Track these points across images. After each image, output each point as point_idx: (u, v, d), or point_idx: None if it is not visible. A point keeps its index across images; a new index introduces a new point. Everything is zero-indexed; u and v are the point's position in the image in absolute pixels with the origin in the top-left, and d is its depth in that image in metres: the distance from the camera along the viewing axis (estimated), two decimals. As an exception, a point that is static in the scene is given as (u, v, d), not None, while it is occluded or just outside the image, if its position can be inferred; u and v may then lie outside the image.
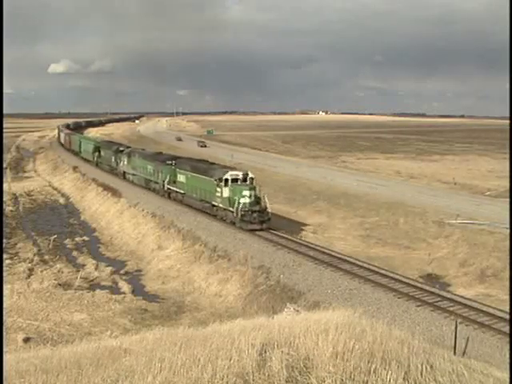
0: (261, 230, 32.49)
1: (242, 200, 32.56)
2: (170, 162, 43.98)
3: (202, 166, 39.16)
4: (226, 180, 33.80)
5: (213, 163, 41.15)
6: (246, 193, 32.73)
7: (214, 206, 35.89)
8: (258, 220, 32.61)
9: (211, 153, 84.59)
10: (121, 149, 60.44)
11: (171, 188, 43.11)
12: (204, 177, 36.70)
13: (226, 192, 33.81)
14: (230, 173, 34.39)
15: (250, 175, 34.35)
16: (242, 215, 32.57)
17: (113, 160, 59.94)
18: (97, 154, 69.10)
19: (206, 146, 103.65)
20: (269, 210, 33.33)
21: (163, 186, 44.12)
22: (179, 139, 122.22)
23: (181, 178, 41.14)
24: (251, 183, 33.99)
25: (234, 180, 33.86)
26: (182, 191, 40.93)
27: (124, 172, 56.05)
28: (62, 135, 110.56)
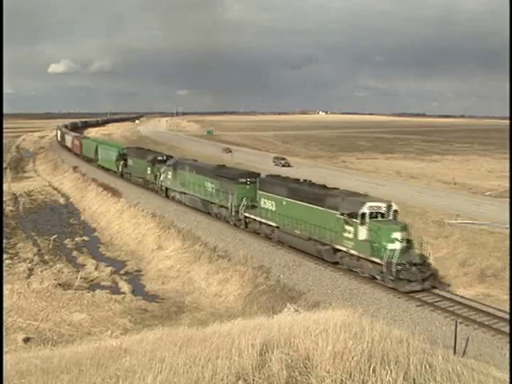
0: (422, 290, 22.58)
1: (391, 246, 22.59)
2: (244, 181, 33.71)
3: (311, 191, 27.78)
4: (363, 215, 23.70)
5: (326, 186, 28.78)
6: (397, 235, 22.83)
7: (337, 250, 25.67)
8: (420, 277, 22.49)
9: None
10: (159, 158, 48.65)
11: (251, 216, 32.66)
12: (319, 207, 26.27)
13: (362, 233, 23.79)
14: (369, 204, 24.08)
15: (394, 207, 24.66)
16: (396, 271, 22.22)
17: (148, 172, 48.73)
18: (122, 162, 57.57)
19: (288, 165, 71.88)
20: (431, 260, 23.40)
21: (235, 211, 33.60)
22: (228, 151, 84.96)
23: (267, 203, 30.84)
24: (394, 218, 24.48)
25: (373, 215, 23.99)
26: (273, 223, 30.35)
27: (167, 188, 45.19)
28: (69, 138, 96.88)
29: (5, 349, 15.23)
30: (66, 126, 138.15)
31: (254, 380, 7.57)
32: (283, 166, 70.32)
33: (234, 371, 7.69)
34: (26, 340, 21.11)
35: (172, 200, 43.86)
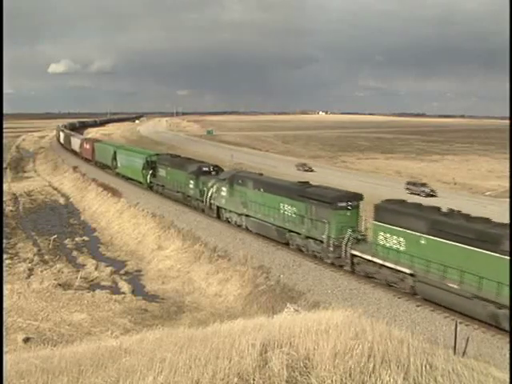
0: None
1: None
2: (345, 205, 25.73)
3: (472, 227, 19.87)
4: None
5: (492, 221, 20.72)
6: None
7: None
8: None
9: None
10: (205, 168, 39.69)
11: (363, 256, 24.22)
12: (491, 253, 18.66)
13: None
14: None
15: None
16: None
17: (191, 186, 39.93)
18: (150, 172, 48.81)
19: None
20: None
21: (335, 246, 25.46)
22: (305, 169, 69.63)
23: (390, 239, 22.83)
24: None
25: None
26: (404, 268, 21.99)
27: (219, 208, 36.38)
28: (76, 141, 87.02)
29: (5, 349, 15.22)
30: (65, 127, 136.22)
31: (254, 380, 7.57)
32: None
33: (235, 371, 7.69)
34: (26, 340, 21.12)
35: (217, 219, 36.42)
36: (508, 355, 15.31)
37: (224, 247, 31.62)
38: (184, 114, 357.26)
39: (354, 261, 24.73)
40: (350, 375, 7.57)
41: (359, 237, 25.10)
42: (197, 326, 13.86)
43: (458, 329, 15.64)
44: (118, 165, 59.35)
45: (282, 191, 29.82)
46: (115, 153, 60.65)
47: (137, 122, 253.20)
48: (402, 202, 24.38)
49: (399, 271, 22.18)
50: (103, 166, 66.20)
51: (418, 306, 21.18)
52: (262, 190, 31.39)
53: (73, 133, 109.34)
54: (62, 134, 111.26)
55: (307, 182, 30.66)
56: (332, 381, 7.45)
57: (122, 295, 27.62)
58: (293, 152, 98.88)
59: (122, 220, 43.57)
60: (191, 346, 9.13)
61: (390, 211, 23.25)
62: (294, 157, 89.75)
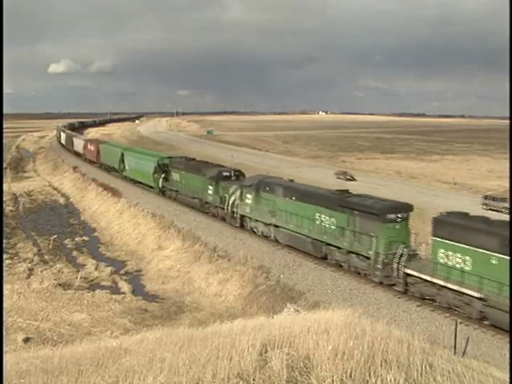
0: None
1: None
2: (394, 217, 23.08)
3: None
4: None
5: None
6: None
7: None
8: None
9: (212, 155, 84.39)
10: (225, 173, 36.94)
11: (421, 276, 21.21)
12: None
13: None
14: None
15: None
16: None
17: (210, 192, 37.03)
18: (162, 176, 45.96)
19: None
20: None
21: (384, 263, 22.63)
22: (346, 177, 60.13)
23: (453, 258, 20.20)
24: None
25: None
26: (475, 293, 19.11)
27: (243, 216, 33.44)
28: (79, 142, 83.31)
29: (5, 349, 15.22)
30: (65, 127, 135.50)
31: (254, 380, 7.57)
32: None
33: (235, 371, 7.69)
34: (26, 340, 21.12)
35: (242, 228, 33.54)
36: (508, 355, 15.31)
37: (224, 247, 31.62)
38: (184, 113, 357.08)
39: (408, 280, 21.90)
40: (350, 375, 7.57)
41: (411, 253, 22.31)
42: (197, 326, 13.87)
43: (458, 329, 15.65)
44: (126, 168, 56.28)
45: (319, 200, 26.76)
46: (123, 155, 57.48)
47: (137, 122, 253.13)
48: (466, 214, 21.47)
49: (465, 294, 19.44)
50: (109, 169, 63.41)
51: (418, 306, 21.17)
52: (293, 198, 28.46)
53: (75, 133, 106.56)
54: (63, 135, 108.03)
55: (347, 191, 27.56)
56: (332, 380, 7.45)
57: (122, 295, 27.62)
58: (293, 152, 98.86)
59: (122, 220, 43.58)
60: (191, 345, 9.13)
61: (453, 225, 20.41)
62: (294, 157, 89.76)
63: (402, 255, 21.97)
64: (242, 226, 33.63)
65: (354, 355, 7.94)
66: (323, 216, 26.23)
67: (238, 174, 36.95)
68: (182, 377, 7.70)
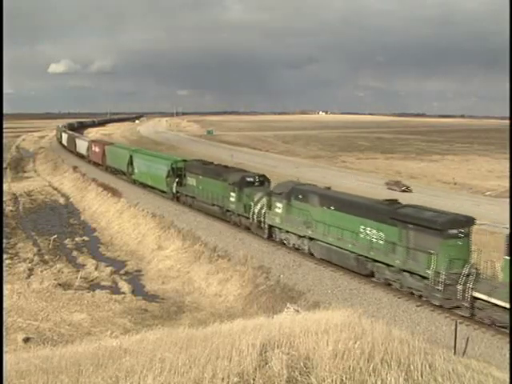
0: None
1: None
2: (456, 232, 20.60)
3: None
4: None
5: None
6: None
7: None
8: None
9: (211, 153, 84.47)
10: (249, 179, 33.96)
11: (498, 303, 18.37)
12: None
13: None
14: None
15: None
16: None
17: (232, 199, 34.00)
18: (176, 180, 43.16)
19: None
20: None
21: (444, 284, 20.05)
22: (400, 187, 52.17)
23: None
24: None
25: None
26: None
27: (271, 227, 30.52)
28: (82, 143, 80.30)
29: (5, 349, 15.23)
30: (65, 127, 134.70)
31: (254, 380, 7.57)
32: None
33: (235, 371, 7.69)
34: (26, 340, 21.12)
35: (271, 240, 30.71)
36: (508, 355, 15.31)
37: (224, 247, 31.62)
38: (184, 114, 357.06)
39: (476, 305, 19.35)
40: (350, 375, 7.57)
41: (477, 273, 19.87)
42: (197, 326, 13.88)
43: (458, 329, 15.65)
44: (135, 171, 53.11)
45: (364, 211, 23.89)
46: (131, 157, 54.39)
47: (137, 122, 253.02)
48: None
49: None
50: (116, 172, 60.50)
51: (417, 306, 21.18)
52: (332, 208, 25.67)
53: (77, 134, 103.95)
54: (64, 136, 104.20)
55: (396, 201, 24.66)
56: (332, 380, 7.45)
57: (122, 295, 27.62)
58: (293, 152, 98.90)
59: (122, 220, 43.59)
60: (191, 345, 9.13)
61: None
62: (294, 157, 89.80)
63: (468, 275, 19.43)
64: (270, 237, 30.73)
65: (353, 355, 7.94)
66: (369, 229, 23.40)
67: (263, 180, 34.24)
68: (182, 377, 7.71)
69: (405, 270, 21.81)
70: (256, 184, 33.67)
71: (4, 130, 78.38)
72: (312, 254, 27.42)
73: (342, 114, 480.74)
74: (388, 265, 22.65)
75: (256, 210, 31.24)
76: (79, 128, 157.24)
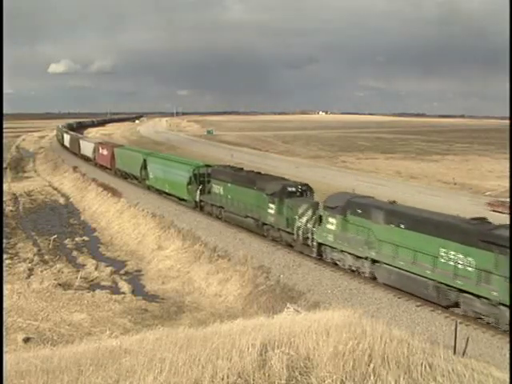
0: None
1: None
2: None
3: None
4: None
5: None
6: None
7: None
8: None
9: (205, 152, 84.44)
10: (290, 189, 29.97)
11: None
12: None
13: None
14: None
15: None
16: None
17: (271, 211, 29.99)
18: (199, 188, 39.39)
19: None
20: None
21: None
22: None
23: None
24: None
25: None
26: None
27: (321, 245, 26.53)
28: (88, 145, 76.01)
29: (5, 349, 15.22)
30: (65, 127, 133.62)
31: (254, 380, 7.57)
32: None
33: (235, 371, 7.69)
34: (26, 340, 21.12)
35: (320, 259, 26.91)
36: (508, 355, 15.31)
37: (224, 247, 31.63)
38: (184, 114, 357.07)
39: None
40: (350, 375, 7.57)
41: None
42: (197, 326, 13.88)
43: (458, 329, 15.65)
44: (150, 176, 49.24)
45: (445, 231, 20.27)
46: (145, 161, 50.53)
47: (137, 122, 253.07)
48: None
49: None
50: (126, 176, 57.38)
51: (417, 306, 21.18)
52: (402, 226, 21.90)
53: (81, 135, 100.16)
54: (67, 137, 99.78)
55: (485, 219, 21.20)
56: (332, 380, 7.45)
57: (122, 295, 27.63)
58: (293, 152, 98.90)
59: (122, 220, 43.60)
60: (191, 345, 9.13)
61: None
62: (294, 157, 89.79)
63: None
64: (320, 256, 26.89)
65: (354, 355, 7.94)
66: (453, 253, 19.79)
67: (306, 189, 30.37)
68: (181, 377, 7.71)
69: (504, 304, 18.20)
70: (298, 194, 29.91)
71: (4, 130, 78.21)
72: (374, 279, 23.78)
73: (342, 114, 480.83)
74: (479, 296, 19.08)
75: (301, 225, 27.35)
76: (78, 128, 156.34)
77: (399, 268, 21.97)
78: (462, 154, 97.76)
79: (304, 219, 27.23)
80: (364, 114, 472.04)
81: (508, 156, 61.15)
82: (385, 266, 22.86)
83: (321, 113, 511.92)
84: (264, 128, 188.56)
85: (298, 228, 27.47)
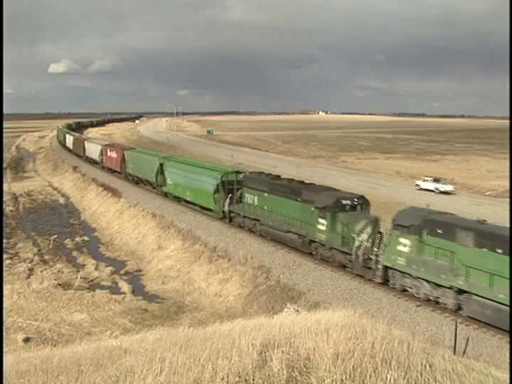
0: None
1: None
2: None
3: None
4: None
5: None
6: None
7: None
8: None
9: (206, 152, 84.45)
10: (345, 201, 26.09)
11: None
12: None
13: None
14: None
15: None
16: None
17: (321, 227, 26.30)
18: (228, 196, 35.41)
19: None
20: None
21: None
22: None
23: None
24: None
25: None
26: None
27: (387, 268, 22.86)
28: (95, 147, 71.52)
29: (5, 349, 15.23)
30: (64, 128, 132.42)
31: (254, 380, 7.56)
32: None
33: (235, 371, 7.68)
34: (26, 340, 21.13)
35: (386, 284, 23.27)
36: (508, 355, 15.31)
37: (224, 247, 31.62)
38: (184, 114, 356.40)
39: None
40: (350, 375, 7.56)
41: None
42: (197, 325, 13.86)
43: (458, 329, 15.65)
44: (168, 182, 44.81)
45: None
46: (162, 166, 46.04)
47: (137, 122, 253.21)
48: None
49: None
50: (138, 181, 53.24)
51: (417, 306, 21.18)
52: (500, 251, 18.10)
53: (87, 137, 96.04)
54: (69, 138, 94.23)
55: None
56: (332, 381, 7.44)
57: (122, 295, 27.63)
58: (293, 152, 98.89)
59: (122, 220, 43.59)
60: (191, 345, 9.12)
61: None
62: (294, 157, 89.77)
63: None
64: (386, 281, 23.09)
65: (354, 355, 7.93)
66: None
67: (361, 203, 26.42)
68: (181, 377, 7.70)
69: None
70: (351, 208, 26.13)
71: (4, 130, 78.17)
72: (457, 311, 20.19)
73: (342, 114, 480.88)
74: None
75: (361, 244, 23.92)
76: (78, 128, 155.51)
77: (499, 302, 18.12)
78: (462, 153, 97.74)
79: (362, 237, 23.96)
80: (364, 114, 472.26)
81: (508, 156, 61.17)
82: (477, 298, 19.14)
83: (321, 113, 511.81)
84: (264, 128, 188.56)
85: (358, 247, 23.99)
